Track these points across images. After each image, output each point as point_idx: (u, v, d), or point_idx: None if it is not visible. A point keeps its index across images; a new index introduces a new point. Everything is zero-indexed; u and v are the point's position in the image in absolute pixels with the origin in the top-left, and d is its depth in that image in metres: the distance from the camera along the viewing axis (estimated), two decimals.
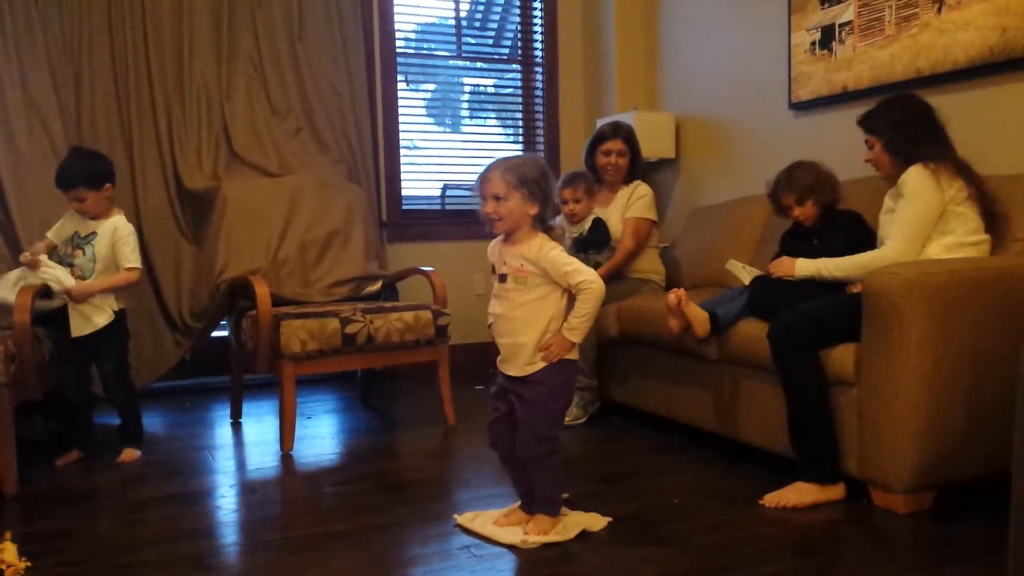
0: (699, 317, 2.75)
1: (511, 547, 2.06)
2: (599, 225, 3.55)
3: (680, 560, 1.97)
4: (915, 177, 2.40)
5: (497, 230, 2.06)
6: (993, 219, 2.44)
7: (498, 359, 2.13)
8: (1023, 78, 2.81)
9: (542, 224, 2.07)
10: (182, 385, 4.15)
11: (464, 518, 2.23)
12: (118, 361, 3.02)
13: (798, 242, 2.83)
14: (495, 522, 2.19)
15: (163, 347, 3.82)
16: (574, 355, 2.09)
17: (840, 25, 3.46)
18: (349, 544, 2.12)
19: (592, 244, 3.54)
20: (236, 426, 3.54)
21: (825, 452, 2.34)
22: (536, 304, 2.04)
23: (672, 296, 2.76)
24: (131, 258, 2.96)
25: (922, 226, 2.40)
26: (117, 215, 3.02)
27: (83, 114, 3.75)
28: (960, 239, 2.40)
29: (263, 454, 3.07)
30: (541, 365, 2.05)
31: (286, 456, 3.01)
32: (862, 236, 2.67)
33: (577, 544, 2.08)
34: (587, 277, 2.00)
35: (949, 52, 3.01)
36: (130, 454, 3.00)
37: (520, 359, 2.05)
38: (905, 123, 2.50)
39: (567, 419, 3.32)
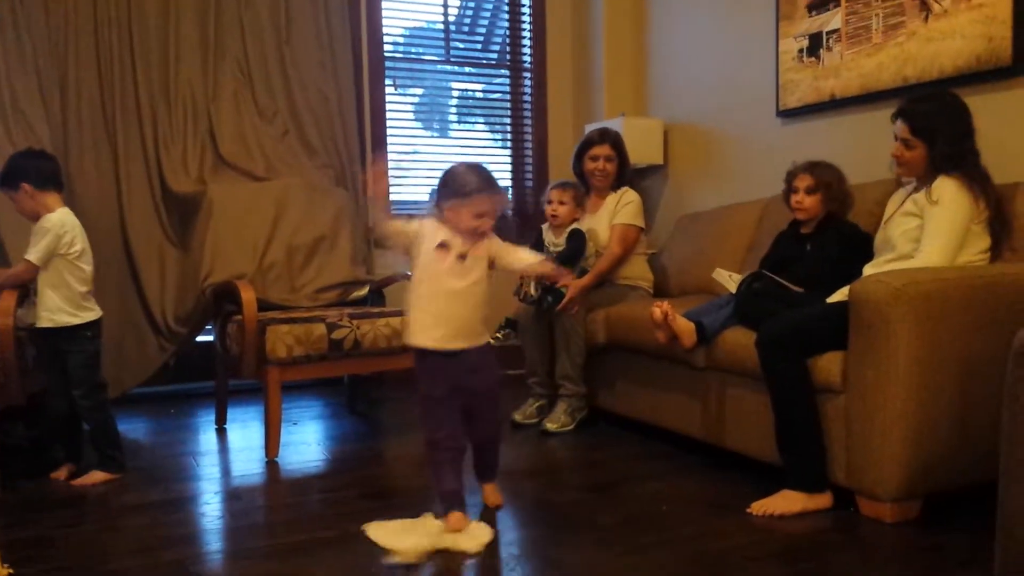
0: (685, 328, 2.75)
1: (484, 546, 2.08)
2: (574, 236, 3.47)
3: (667, 568, 1.97)
4: (956, 188, 2.37)
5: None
6: (1003, 234, 2.44)
7: (444, 339, 2.18)
8: (1009, 87, 2.84)
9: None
10: (166, 391, 4.10)
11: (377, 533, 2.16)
12: (81, 369, 2.71)
13: (791, 246, 2.85)
14: (447, 531, 2.15)
15: (147, 352, 3.78)
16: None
17: (828, 33, 3.47)
18: (335, 551, 2.10)
19: (566, 258, 3.41)
20: (221, 432, 3.51)
21: (812, 460, 2.34)
22: (485, 278, 2.25)
23: (657, 311, 2.76)
24: (29, 251, 2.62)
25: (959, 236, 2.37)
26: (55, 211, 2.69)
27: (68, 116, 3.71)
28: (970, 257, 2.40)
29: (248, 460, 3.04)
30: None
31: (271, 463, 2.99)
32: (856, 243, 2.69)
33: (563, 550, 2.08)
34: None
35: (936, 60, 3.03)
36: (92, 476, 2.73)
37: (481, 328, 2.26)
38: (955, 133, 2.42)
39: (554, 426, 3.32)
